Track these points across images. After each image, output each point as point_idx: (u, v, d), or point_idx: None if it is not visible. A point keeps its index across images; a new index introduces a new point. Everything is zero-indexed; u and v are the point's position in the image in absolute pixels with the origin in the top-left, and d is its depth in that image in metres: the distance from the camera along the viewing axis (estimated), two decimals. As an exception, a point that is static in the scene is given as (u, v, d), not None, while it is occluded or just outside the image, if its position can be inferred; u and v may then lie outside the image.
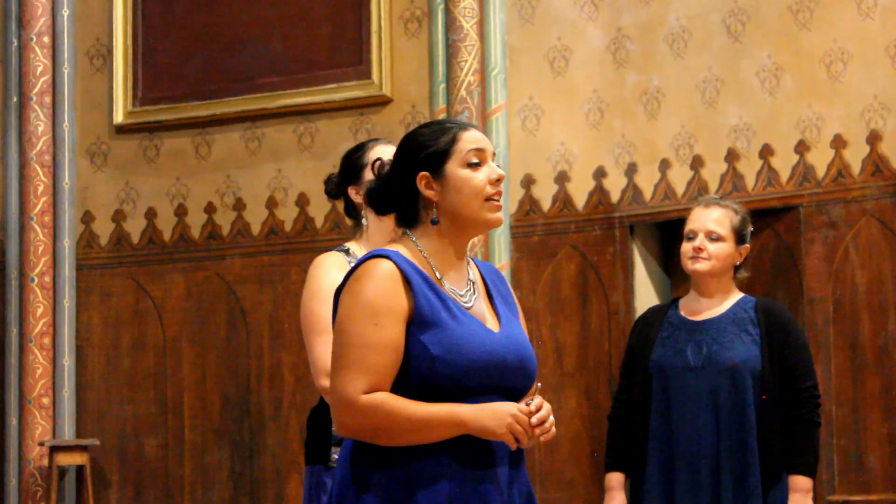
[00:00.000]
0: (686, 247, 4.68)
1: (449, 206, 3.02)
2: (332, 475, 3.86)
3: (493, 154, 3.08)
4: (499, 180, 3.04)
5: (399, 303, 2.93)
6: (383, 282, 2.93)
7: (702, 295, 4.71)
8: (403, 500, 2.90)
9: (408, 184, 3.04)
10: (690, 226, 4.69)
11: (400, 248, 3.02)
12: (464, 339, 2.94)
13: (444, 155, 3.02)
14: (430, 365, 2.91)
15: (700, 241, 4.64)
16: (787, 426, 4.56)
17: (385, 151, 4.09)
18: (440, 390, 2.92)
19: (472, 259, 3.16)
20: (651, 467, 4.61)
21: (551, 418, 2.96)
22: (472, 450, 2.94)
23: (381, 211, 3.12)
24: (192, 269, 9.21)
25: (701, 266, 4.65)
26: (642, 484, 4.63)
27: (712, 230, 4.65)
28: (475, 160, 3.03)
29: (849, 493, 7.41)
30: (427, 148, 3.03)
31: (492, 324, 3.06)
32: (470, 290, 3.07)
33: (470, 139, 3.04)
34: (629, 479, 4.73)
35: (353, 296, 2.94)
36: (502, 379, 2.98)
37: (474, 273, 3.13)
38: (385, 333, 2.91)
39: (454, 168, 3.02)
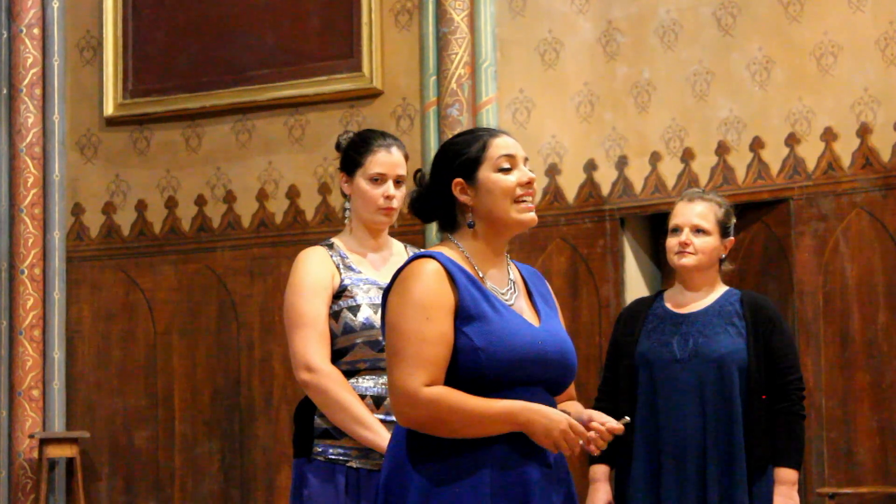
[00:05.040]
0: (672, 241, 4.67)
1: (483, 209, 3.18)
2: (313, 469, 3.91)
3: (526, 159, 3.23)
4: (529, 183, 3.19)
5: (446, 298, 3.09)
6: (430, 279, 3.09)
7: (688, 288, 4.71)
8: (450, 484, 3.04)
9: (445, 191, 3.20)
10: (675, 220, 4.68)
11: (443, 250, 3.18)
12: (506, 332, 3.09)
13: (476, 161, 3.18)
14: (475, 357, 3.07)
15: (686, 235, 4.64)
16: (772, 419, 4.56)
17: (382, 161, 4.06)
18: (485, 381, 3.06)
19: (512, 262, 3.30)
20: (637, 459, 4.61)
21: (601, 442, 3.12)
22: (520, 441, 3.07)
23: (424, 219, 3.28)
24: (182, 261, 9.20)
25: (688, 261, 4.65)
26: (628, 476, 4.64)
27: (697, 224, 4.64)
28: (506, 165, 3.18)
29: (838, 485, 7.42)
30: (461, 155, 3.20)
31: (532, 320, 3.20)
32: (511, 288, 3.23)
33: (500, 145, 3.20)
34: (614, 471, 4.73)
35: (403, 295, 3.10)
36: (544, 371, 3.12)
37: (515, 274, 3.28)
38: (438, 327, 3.06)
39: (486, 173, 3.18)
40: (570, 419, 3.05)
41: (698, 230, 4.64)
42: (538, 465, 3.10)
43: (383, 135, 4.14)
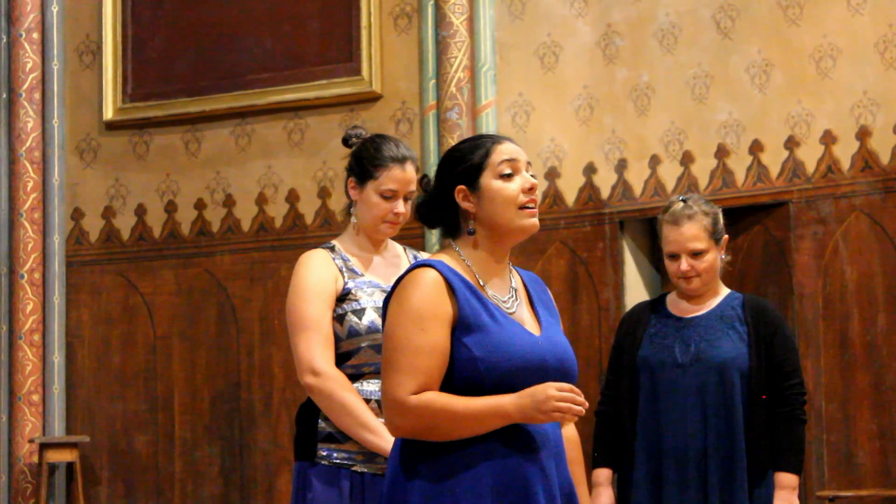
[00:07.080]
0: (672, 268, 4.65)
1: (485, 216, 3.17)
2: (317, 472, 3.90)
3: (528, 164, 3.23)
4: (532, 189, 3.19)
5: (444, 308, 3.09)
6: (428, 289, 3.09)
7: (691, 300, 4.71)
8: (449, 486, 3.04)
9: (448, 197, 3.20)
10: (669, 248, 4.65)
11: (444, 258, 3.18)
12: (505, 342, 3.09)
13: (478, 168, 3.18)
14: (473, 366, 3.06)
15: (685, 263, 4.62)
16: (773, 423, 4.56)
17: (396, 178, 4.04)
18: (483, 391, 3.06)
19: (514, 268, 3.30)
20: (639, 463, 4.61)
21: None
22: (515, 437, 3.08)
23: (429, 224, 3.28)
24: (181, 265, 9.20)
25: (694, 285, 4.64)
26: (630, 480, 4.64)
27: (693, 249, 4.62)
28: (508, 171, 3.18)
29: (839, 488, 7.42)
30: (463, 162, 3.20)
31: (533, 328, 3.20)
32: (512, 296, 3.22)
33: (503, 151, 3.20)
34: (616, 475, 4.74)
35: (400, 303, 3.10)
36: (542, 380, 3.08)
37: (517, 281, 3.28)
38: (431, 337, 3.06)
39: (488, 180, 3.18)
40: (550, 386, 3.02)
41: (696, 253, 4.62)
42: (536, 458, 3.09)
43: (397, 144, 4.09)
